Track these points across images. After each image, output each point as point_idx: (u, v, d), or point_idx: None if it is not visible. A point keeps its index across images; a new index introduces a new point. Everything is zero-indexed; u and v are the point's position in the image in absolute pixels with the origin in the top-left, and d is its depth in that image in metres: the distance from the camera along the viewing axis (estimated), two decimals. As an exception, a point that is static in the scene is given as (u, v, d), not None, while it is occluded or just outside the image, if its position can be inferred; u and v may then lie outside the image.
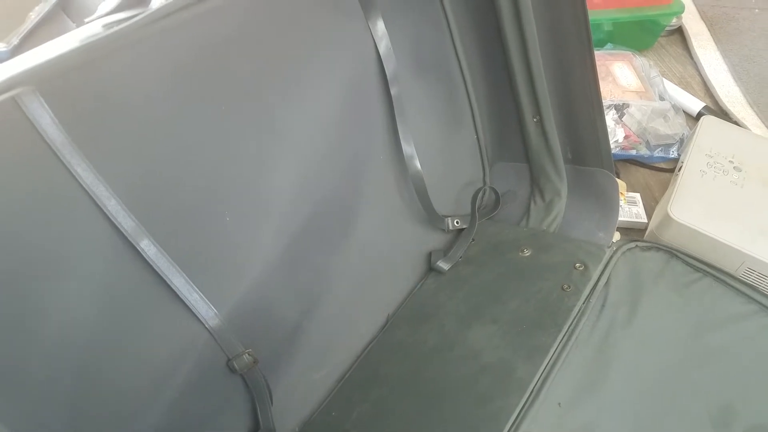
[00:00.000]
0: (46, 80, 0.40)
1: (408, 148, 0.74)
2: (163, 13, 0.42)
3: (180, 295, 0.52)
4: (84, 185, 0.44)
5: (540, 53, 0.75)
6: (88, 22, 0.40)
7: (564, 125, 0.80)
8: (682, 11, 1.29)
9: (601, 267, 0.73)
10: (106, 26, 0.37)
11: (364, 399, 0.66)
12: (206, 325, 0.54)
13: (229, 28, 0.53)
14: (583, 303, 0.69)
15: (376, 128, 0.73)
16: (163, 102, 0.48)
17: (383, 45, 0.71)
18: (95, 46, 0.35)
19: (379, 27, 0.70)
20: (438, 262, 0.78)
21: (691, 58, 1.29)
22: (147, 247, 0.48)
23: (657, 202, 0.93)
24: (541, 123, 0.80)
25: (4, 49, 0.54)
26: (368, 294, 0.73)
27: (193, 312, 0.53)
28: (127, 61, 0.45)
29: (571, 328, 0.67)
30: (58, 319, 0.44)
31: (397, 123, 0.73)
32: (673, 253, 0.77)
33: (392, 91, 0.72)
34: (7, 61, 0.39)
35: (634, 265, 0.75)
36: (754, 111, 1.12)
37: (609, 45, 1.22)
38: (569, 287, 0.70)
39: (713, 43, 1.30)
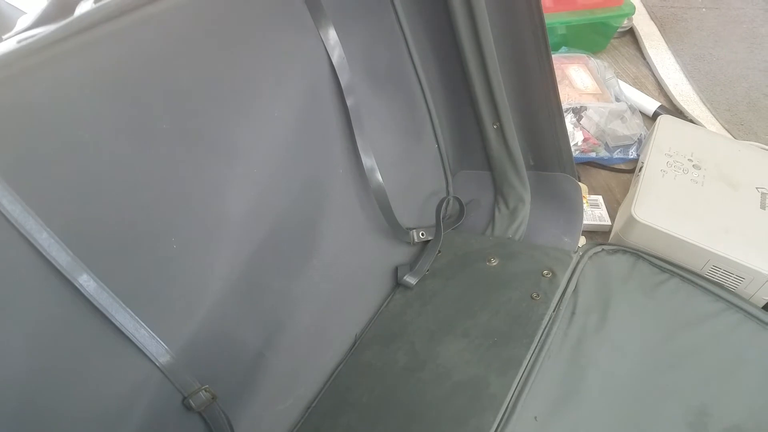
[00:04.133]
0: None
1: (368, 161, 0.72)
2: (84, 24, 0.38)
3: (126, 333, 0.47)
4: (10, 218, 0.40)
5: (497, 59, 0.74)
6: (5, 39, 0.37)
7: (524, 131, 0.79)
8: (633, 12, 1.30)
9: (568, 273, 0.72)
10: (21, 42, 0.33)
11: (332, 427, 0.62)
12: (156, 363, 0.50)
13: (165, 40, 0.49)
14: (553, 311, 0.68)
15: (334, 142, 0.70)
16: (92, 121, 0.44)
17: (336, 55, 0.68)
18: (6, 62, 0.31)
19: (331, 36, 0.68)
20: (405, 277, 0.76)
21: (644, 58, 1.31)
22: (86, 282, 0.44)
23: (619, 204, 0.93)
24: (501, 130, 0.79)
25: None
26: (334, 315, 0.70)
27: (141, 350, 0.49)
28: (46, 76, 0.40)
29: (543, 337, 0.65)
30: None
31: (355, 135, 0.71)
32: (639, 254, 0.76)
33: (348, 102, 0.70)
34: None
35: (601, 269, 0.74)
36: (708, 108, 1.14)
37: (563, 48, 1.23)
38: (538, 296, 0.69)
39: (664, 43, 1.33)
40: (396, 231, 0.77)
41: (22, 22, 0.38)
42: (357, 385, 0.66)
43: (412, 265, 0.78)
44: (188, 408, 0.54)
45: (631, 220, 0.79)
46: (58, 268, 0.42)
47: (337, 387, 0.67)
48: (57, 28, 0.34)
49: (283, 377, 0.63)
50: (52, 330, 0.44)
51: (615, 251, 0.77)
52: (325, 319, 0.69)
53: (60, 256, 0.42)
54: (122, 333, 0.48)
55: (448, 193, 0.87)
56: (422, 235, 0.80)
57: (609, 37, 1.33)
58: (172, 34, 0.50)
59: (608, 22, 1.29)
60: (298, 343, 0.65)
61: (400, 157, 0.80)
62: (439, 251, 0.79)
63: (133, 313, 0.48)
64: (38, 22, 0.36)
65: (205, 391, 0.54)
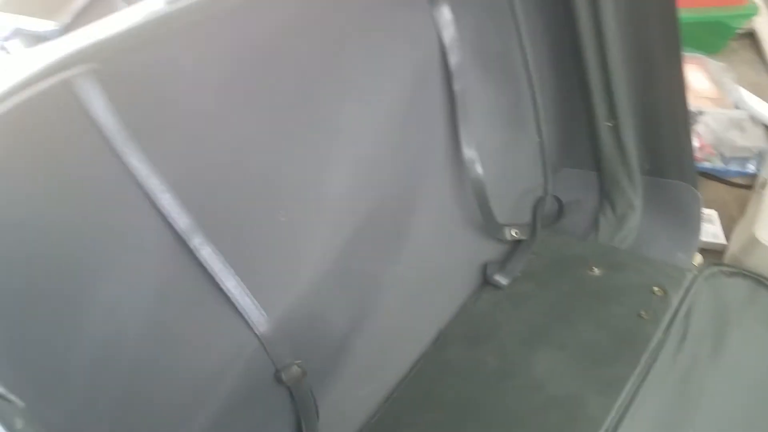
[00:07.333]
0: (104, 61, 0.36)
1: (469, 152, 0.68)
2: None
3: (232, 299, 0.47)
4: (137, 176, 0.40)
5: (620, 48, 0.68)
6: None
7: (643, 131, 0.72)
8: (756, 14, 1.19)
9: (682, 293, 0.65)
10: (170, 2, 0.31)
11: (415, 421, 0.60)
12: (256, 332, 0.50)
13: (289, 12, 0.49)
14: (663, 333, 0.62)
15: (436, 127, 0.67)
16: (224, 90, 0.45)
17: (448, 34, 0.64)
18: (159, 23, 0.30)
19: (444, 14, 0.64)
20: (495, 276, 0.71)
21: (765, 64, 1.20)
22: (200, 245, 0.44)
23: (735, 222, 0.84)
24: (616, 128, 0.72)
25: (55, 27, 0.50)
26: (419, 306, 0.67)
27: (243, 317, 0.49)
28: (191, 42, 0.41)
29: (650, 360, 0.59)
30: (104, 317, 0.40)
31: (459, 123, 0.67)
32: (760, 281, 0.69)
33: (455, 87, 0.66)
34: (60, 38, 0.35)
35: (717, 292, 0.67)
36: (838, 125, 1.02)
37: (678, 47, 1.13)
38: (647, 314, 0.63)
39: (789, 50, 1.21)
40: (489, 226, 0.72)
41: None
42: (441, 382, 0.62)
43: (502, 264, 0.73)
44: (278, 381, 0.53)
45: (754, 242, 0.72)
46: (177, 230, 0.43)
47: (420, 381, 0.64)
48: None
49: (366, 362, 0.61)
50: (168, 290, 0.44)
51: (734, 274, 0.69)
52: (411, 309, 0.66)
53: (180, 218, 0.43)
54: (228, 299, 0.48)
55: (546, 190, 0.81)
56: (515, 233, 0.75)
57: (727, 38, 1.22)
58: (293, 7, 0.50)
59: (727, 23, 1.19)
60: (382, 330, 0.63)
61: (500, 147, 0.75)
62: (534, 252, 0.74)
63: (240, 281, 0.47)
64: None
65: (297, 366, 0.53)
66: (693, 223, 0.71)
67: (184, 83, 0.42)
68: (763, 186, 0.81)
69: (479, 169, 0.69)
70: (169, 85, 0.41)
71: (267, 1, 0.47)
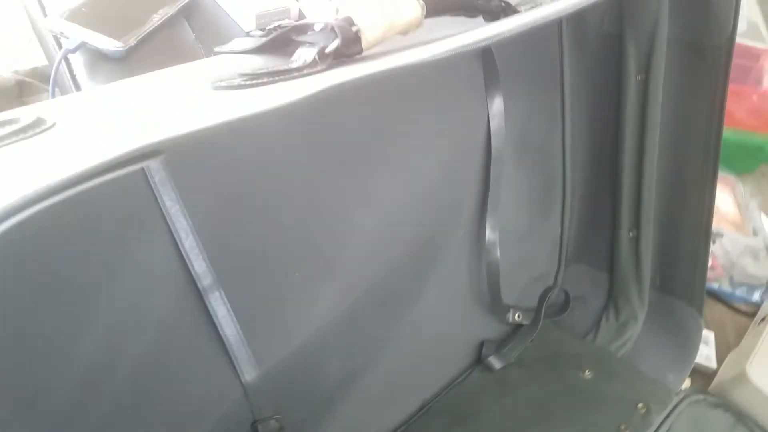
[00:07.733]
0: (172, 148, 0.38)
1: (492, 235, 0.70)
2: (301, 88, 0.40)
3: (227, 345, 0.48)
4: (166, 214, 0.41)
5: (658, 162, 0.70)
6: (218, 51, 0.38)
7: (661, 248, 0.74)
8: (792, 141, 1.21)
9: (663, 415, 0.67)
10: (244, 78, 0.33)
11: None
12: (242, 380, 0.51)
13: (349, 93, 0.51)
14: (638, 452, 0.63)
15: (465, 206, 0.69)
16: (266, 150, 0.47)
17: (496, 122, 0.67)
18: (233, 123, 0.32)
19: (497, 104, 0.67)
20: (490, 358, 0.73)
21: (792, 192, 1.22)
22: (210, 289, 0.45)
23: (730, 348, 0.86)
24: (636, 240, 0.75)
25: (121, 48, 0.52)
26: (410, 373, 0.68)
27: (233, 365, 0.50)
28: (254, 127, 0.43)
29: (620, 478, 0.61)
30: (100, 341, 0.41)
31: (488, 208, 0.69)
32: (741, 417, 0.70)
33: (492, 173, 0.68)
34: (124, 63, 0.36)
35: (698, 421, 0.69)
36: None
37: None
38: (626, 429, 0.64)
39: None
40: (494, 306, 0.75)
41: (239, 44, 0.38)
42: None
43: (499, 346, 0.75)
44: None
45: (743, 378, 0.73)
46: (192, 273, 0.44)
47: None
48: (283, 103, 0.33)
49: (347, 424, 0.62)
50: (167, 325, 0.45)
51: (717, 405, 0.71)
52: (401, 376, 0.67)
53: (197, 261, 0.44)
54: (223, 344, 0.48)
55: (556, 281, 0.83)
56: (518, 317, 0.77)
57: (760, 162, 1.24)
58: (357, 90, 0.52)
59: (764, 147, 1.21)
60: (368, 393, 0.64)
61: (521, 233, 0.78)
62: (532, 341, 0.76)
63: (240, 332, 0.48)
64: (255, 51, 0.37)
65: (276, 420, 0.54)
66: (690, 349, 0.73)
67: (229, 142, 0.44)
68: (763, 319, 0.83)
69: (498, 253, 0.71)
70: (213, 141, 0.43)
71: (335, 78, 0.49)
